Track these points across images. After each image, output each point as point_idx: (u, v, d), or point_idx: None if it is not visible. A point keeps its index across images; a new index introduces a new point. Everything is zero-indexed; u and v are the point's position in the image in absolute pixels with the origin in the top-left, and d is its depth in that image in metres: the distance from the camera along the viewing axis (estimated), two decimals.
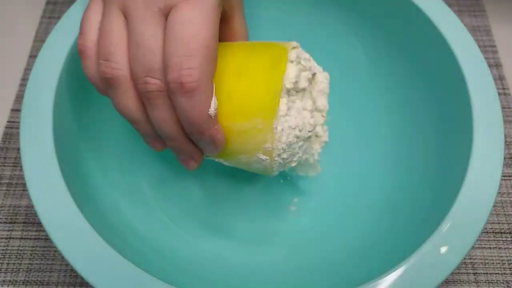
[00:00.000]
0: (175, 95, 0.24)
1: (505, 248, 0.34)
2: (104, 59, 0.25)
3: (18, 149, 0.38)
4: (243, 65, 0.27)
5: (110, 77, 0.25)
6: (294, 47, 0.28)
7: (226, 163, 0.30)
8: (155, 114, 0.25)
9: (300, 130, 0.27)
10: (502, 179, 0.37)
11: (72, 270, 0.33)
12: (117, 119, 0.33)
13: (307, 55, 0.28)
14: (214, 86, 0.25)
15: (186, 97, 0.23)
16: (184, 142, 0.27)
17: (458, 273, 0.33)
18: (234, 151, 0.28)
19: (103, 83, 0.26)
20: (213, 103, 0.24)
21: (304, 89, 0.28)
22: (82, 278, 0.27)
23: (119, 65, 0.25)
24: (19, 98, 0.40)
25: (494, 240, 0.34)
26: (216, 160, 0.29)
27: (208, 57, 0.24)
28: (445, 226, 0.25)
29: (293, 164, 0.29)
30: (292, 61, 0.27)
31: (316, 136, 0.29)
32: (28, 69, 0.41)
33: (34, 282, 0.32)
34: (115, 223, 0.29)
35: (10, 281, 0.32)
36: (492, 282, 0.33)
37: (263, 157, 0.27)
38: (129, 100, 0.25)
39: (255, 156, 0.27)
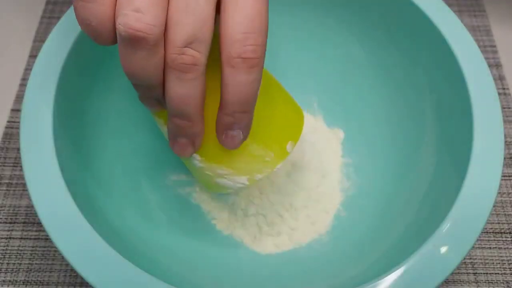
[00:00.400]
0: (235, 69, 0.22)
1: (505, 248, 0.34)
2: (134, 10, 0.20)
3: (18, 149, 0.38)
4: (272, 99, 0.28)
5: (139, 34, 0.20)
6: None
7: (199, 165, 0.27)
8: (179, 89, 0.22)
9: None
10: (502, 179, 0.37)
11: (72, 270, 0.33)
12: (117, 118, 0.33)
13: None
14: None
15: (247, 73, 0.22)
16: (198, 122, 0.24)
17: (458, 273, 0.33)
18: (224, 161, 0.27)
19: (115, 36, 0.21)
20: None
21: None
22: (82, 278, 0.27)
23: (155, 20, 0.20)
24: (19, 98, 0.40)
25: (494, 240, 0.34)
26: (185, 161, 0.28)
27: (266, 39, 0.23)
28: (445, 226, 0.25)
29: None
30: None
31: None
32: (28, 69, 0.41)
33: (34, 282, 0.32)
34: (115, 223, 0.29)
35: (10, 281, 0.32)
36: (492, 282, 0.33)
37: (246, 182, 0.27)
38: (151, 66, 0.21)
39: (238, 177, 0.27)
